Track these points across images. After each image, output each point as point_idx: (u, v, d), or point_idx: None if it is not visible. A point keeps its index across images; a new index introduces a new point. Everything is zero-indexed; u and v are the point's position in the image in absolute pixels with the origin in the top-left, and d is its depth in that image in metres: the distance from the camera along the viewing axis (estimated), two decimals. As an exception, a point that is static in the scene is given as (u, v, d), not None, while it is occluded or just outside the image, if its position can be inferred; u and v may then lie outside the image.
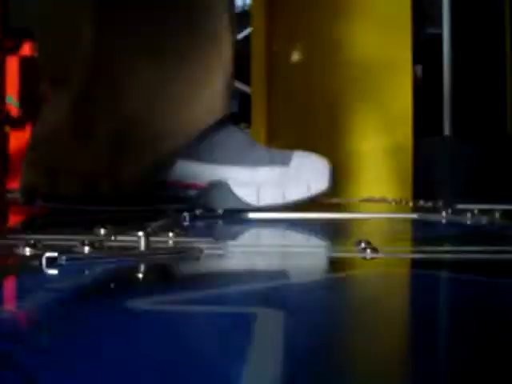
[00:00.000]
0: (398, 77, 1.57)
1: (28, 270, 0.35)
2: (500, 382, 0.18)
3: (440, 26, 1.75)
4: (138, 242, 0.40)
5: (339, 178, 0.86)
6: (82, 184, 0.76)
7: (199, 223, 0.69)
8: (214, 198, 0.79)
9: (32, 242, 0.40)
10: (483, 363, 0.19)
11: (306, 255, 0.45)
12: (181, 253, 0.41)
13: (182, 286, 0.34)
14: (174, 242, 0.46)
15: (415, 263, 0.42)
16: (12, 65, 2.22)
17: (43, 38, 0.78)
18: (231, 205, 0.79)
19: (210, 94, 0.78)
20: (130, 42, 0.73)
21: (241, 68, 1.58)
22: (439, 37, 1.77)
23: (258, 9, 1.64)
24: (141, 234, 0.40)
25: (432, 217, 0.79)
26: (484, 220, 0.69)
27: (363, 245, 0.42)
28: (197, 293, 0.32)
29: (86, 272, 0.36)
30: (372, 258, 0.40)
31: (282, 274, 0.39)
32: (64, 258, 0.36)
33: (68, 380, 0.18)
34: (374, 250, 0.41)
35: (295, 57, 1.58)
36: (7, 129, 2.20)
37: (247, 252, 0.44)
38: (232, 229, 0.69)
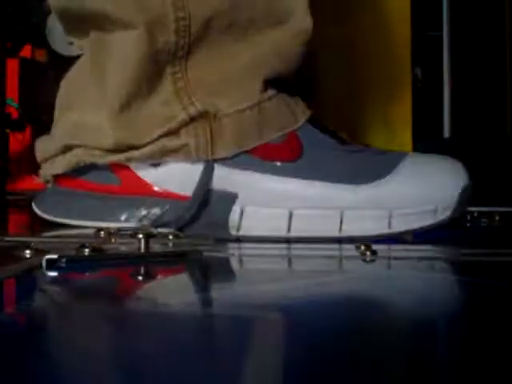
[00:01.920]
0: (398, 79, 1.56)
1: (28, 272, 0.35)
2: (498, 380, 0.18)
3: (440, 28, 1.75)
4: (138, 244, 0.40)
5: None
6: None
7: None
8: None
9: (32, 244, 0.40)
10: (477, 361, 0.19)
11: (306, 257, 0.45)
12: (180, 255, 0.41)
13: (181, 288, 0.34)
14: (174, 245, 0.46)
15: (414, 265, 0.42)
16: (12, 67, 2.22)
17: None
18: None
19: None
20: None
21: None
22: (439, 39, 1.77)
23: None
24: (140, 236, 0.40)
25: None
26: (484, 222, 0.69)
27: (363, 247, 0.42)
28: (196, 295, 0.32)
29: (86, 274, 0.36)
30: (371, 260, 0.40)
31: (283, 276, 0.39)
32: (64, 260, 0.36)
33: (68, 381, 0.18)
34: (374, 252, 0.41)
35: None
36: (7, 131, 2.20)
37: (247, 254, 0.44)
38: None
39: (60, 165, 0.53)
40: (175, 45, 0.50)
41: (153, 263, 0.39)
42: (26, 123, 2.12)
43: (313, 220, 0.50)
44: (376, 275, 0.38)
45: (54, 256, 0.35)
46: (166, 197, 0.52)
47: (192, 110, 0.50)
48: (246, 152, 0.51)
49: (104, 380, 0.18)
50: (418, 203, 0.50)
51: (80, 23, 0.52)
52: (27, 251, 0.39)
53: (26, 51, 2.28)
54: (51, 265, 0.35)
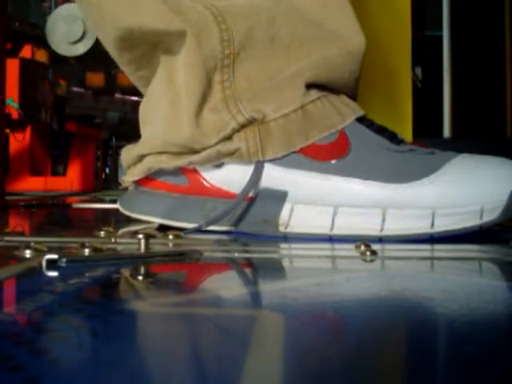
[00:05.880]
0: (398, 78, 1.56)
1: (28, 272, 0.35)
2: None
3: (440, 27, 1.75)
4: (138, 244, 0.40)
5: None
6: None
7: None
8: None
9: (32, 244, 0.40)
10: (481, 360, 0.19)
11: (307, 257, 0.45)
12: (180, 255, 0.41)
13: (180, 288, 0.34)
14: (174, 245, 0.47)
15: (412, 263, 0.42)
16: (12, 67, 2.22)
17: None
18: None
19: None
20: None
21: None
22: (439, 39, 1.77)
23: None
24: (141, 236, 0.40)
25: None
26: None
27: (363, 247, 0.42)
28: (195, 295, 0.32)
29: (86, 274, 0.36)
30: (371, 260, 0.41)
31: (283, 276, 0.39)
32: (64, 260, 0.36)
33: (68, 381, 0.18)
34: (373, 252, 0.41)
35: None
36: (7, 131, 2.20)
37: (248, 254, 0.44)
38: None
39: (137, 172, 0.58)
40: (221, 53, 0.53)
41: (153, 263, 0.39)
42: (26, 123, 2.11)
43: (356, 218, 0.51)
44: (374, 274, 0.38)
45: (54, 256, 0.35)
46: (222, 196, 0.54)
47: (240, 119, 0.53)
48: (295, 152, 0.53)
49: (102, 380, 0.18)
50: (462, 203, 0.49)
51: (143, 46, 0.56)
52: (27, 251, 0.39)
53: (26, 51, 2.28)
54: (51, 265, 0.35)
